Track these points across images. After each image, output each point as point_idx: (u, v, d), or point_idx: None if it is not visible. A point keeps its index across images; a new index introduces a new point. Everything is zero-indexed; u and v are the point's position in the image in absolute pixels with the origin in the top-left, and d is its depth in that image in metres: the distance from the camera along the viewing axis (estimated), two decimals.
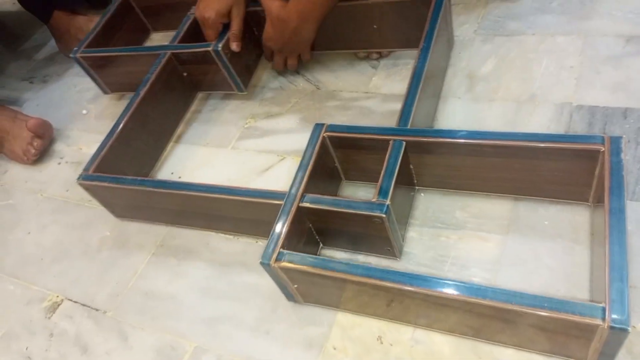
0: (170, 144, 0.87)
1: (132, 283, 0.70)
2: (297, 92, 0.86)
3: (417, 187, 0.65)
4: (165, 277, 0.69)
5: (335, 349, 0.56)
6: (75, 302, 0.71)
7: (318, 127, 0.63)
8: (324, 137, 0.62)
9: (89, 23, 1.11)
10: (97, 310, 0.69)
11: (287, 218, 0.56)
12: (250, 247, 0.68)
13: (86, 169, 0.73)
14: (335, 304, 0.58)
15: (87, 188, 0.74)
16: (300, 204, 0.57)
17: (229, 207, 0.64)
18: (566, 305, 0.42)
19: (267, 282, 0.60)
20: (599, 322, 0.41)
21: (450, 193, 0.63)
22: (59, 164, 0.94)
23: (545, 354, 0.49)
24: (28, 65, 1.26)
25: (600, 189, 0.50)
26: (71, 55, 0.94)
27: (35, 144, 0.93)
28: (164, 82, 0.84)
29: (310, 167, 0.59)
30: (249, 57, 0.89)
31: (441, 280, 0.47)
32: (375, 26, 0.80)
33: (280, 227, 0.55)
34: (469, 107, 0.72)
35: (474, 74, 0.76)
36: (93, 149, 0.89)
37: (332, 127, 0.62)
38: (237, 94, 0.89)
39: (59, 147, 0.98)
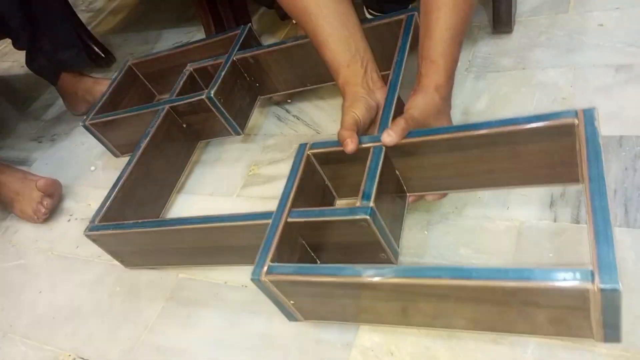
0: (174, 194, 0.88)
1: (143, 337, 0.70)
2: (298, 137, 0.89)
3: (408, 194, 0.65)
4: (177, 330, 0.69)
5: None
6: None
7: (302, 146, 0.64)
8: (308, 155, 0.63)
9: (96, 85, 1.15)
10: None
11: (275, 233, 0.56)
12: (259, 296, 0.68)
13: (92, 221, 0.75)
14: (340, 317, 0.57)
15: (94, 239, 0.75)
16: (288, 219, 0.57)
17: (230, 235, 0.65)
18: (553, 274, 0.41)
19: (278, 327, 0.59)
20: (588, 285, 0.40)
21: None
22: (69, 221, 0.96)
23: (554, 337, 0.48)
24: (37, 125, 1.30)
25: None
26: (81, 123, 0.98)
27: (45, 203, 0.95)
28: (165, 133, 0.87)
29: (296, 184, 0.60)
30: (242, 101, 0.92)
31: (427, 268, 0.47)
32: None
33: (269, 243, 0.56)
34: None
35: (469, 110, 0.78)
36: None
37: (315, 145, 0.63)
38: (238, 142, 0.92)
39: (68, 204, 0.99)
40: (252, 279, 0.54)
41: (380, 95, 0.64)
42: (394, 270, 0.48)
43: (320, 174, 0.66)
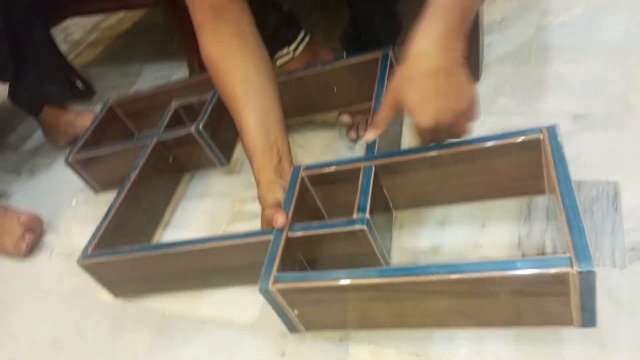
0: (160, 229, 0.90)
1: None
2: None
3: (393, 211, 0.71)
4: None
5: None
6: None
7: (296, 168, 0.69)
8: (302, 177, 0.68)
9: (78, 119, 1.17)
10: None
11: (278, 247, 0.60)
12: (247, 331, 0.70)
13: (85, 250, 0.76)
14: (341, 323, 0.61)
15: (87, 267, 0.76)
16: (289, 234, 0.62)
17: (225, 255, 0.68)
18: (537, 262, 0.47)
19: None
20: (568, 269, 0.46)
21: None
22: (50, 255, 0.96)
23: (537, 327, 0.53)
24: (14, 157, 1.30)
25: (550, 176, 0.57)
26: (64, 161, 1.00)
27: (27, 238, 0.95)
28: (152, 166, 0.90)
29: (294, 202, 0.65)
30: (227, 134, 0.96)
31: (427, 266, 0.52)
32: (335, 88, 0.90)
33: (273, 255, 0.60)
34: None
35: None
36: (84, 239, 0.91)
37: (308, 167, 0.69)
38: (223, 177, 0.95)
39: (49, 238, 1.00)
40: (260, 290, 0.58)
41: (282, 189, 0.68)
42: (396, 269, 0.53)
43: (312, 195, 0.71)
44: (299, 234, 0.62)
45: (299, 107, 0.93)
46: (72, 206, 1.05)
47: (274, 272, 0.58)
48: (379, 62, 0.83)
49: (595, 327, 0.52)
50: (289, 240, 0.62)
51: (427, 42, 0.54)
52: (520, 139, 0.60)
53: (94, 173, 1.03)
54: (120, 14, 1.89)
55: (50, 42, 1.20)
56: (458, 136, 0.61)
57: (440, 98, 0.55)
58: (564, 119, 0.81)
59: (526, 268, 0.48)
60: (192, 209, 0.93)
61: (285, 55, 1.00)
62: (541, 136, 0.59)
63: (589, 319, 0.50)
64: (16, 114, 1.48)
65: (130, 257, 0.73)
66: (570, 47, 0.94)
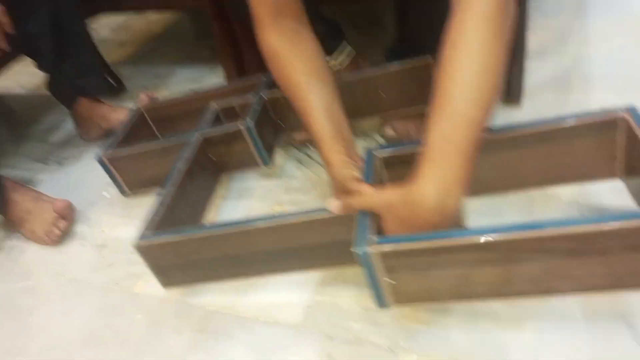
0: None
1: None
2: (321, 182, 0.93)
3: None
4: None
5: None
6: None
7: (369, 150, 0.71)
8: (375, 156, 0.70)
9: (112, 112, 1.17)
10: None
11: (368, 214, 0.60)
12: (292, 331, 0.70)
13: (143, 231, 0.75)
14: (437, 294, 0.59)
15: (144, 250, 0.74)
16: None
17: (297, 234, 0.68)
18: None
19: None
20: None
21: None
22: (82, 245, 0.95)
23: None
24: (42, 147, 1.29)
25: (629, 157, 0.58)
26: (95, 158, 0.99)
27: (60, 225, 0.95)
28: (195, 162, 0.89)
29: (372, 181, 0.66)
30: (269, 135, 0.97)
31: (541, 222, 0.51)
32: (381, 92, 0.92)
33: (366, 220, 0.59)
34: None
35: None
36: (120, 231, 0.91)
37: (382, 147, 0.72)
38: (260, 180, 0.96)
39: (80, 229, 0.99)
40: (357, 253, 0.56)
41: (362, 163, 0.69)
42: (512, 226, 0.52)
43: (385, 177, 0.71)
44: None
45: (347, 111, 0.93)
46: (104, 198, 1.05)
47: (370, 235, 0.57)
48: (431, 68, 0.85)
49: None
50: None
51: (429, 191, 0.53)
52: (596, 118, 0.62)
53: (124, 172, 1.01)
54: (151, 17, 1.91)
55: (89, 37, 1.21)
56: None
57: (417, 229, 0.56)
58: None
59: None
60: (230, 209, 0.93)
61: (331, 66, 1.02)
62: (625, 115, 0.60)
63: None
64: (40, 106, 1.49)
65: (194, 236, 0.72)
66: (611, 77, 0.97)
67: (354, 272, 0.73)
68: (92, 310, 0.82)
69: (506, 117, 0.94)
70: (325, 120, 0.69)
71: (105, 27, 1.93)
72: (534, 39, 1.13)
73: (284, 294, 0.74)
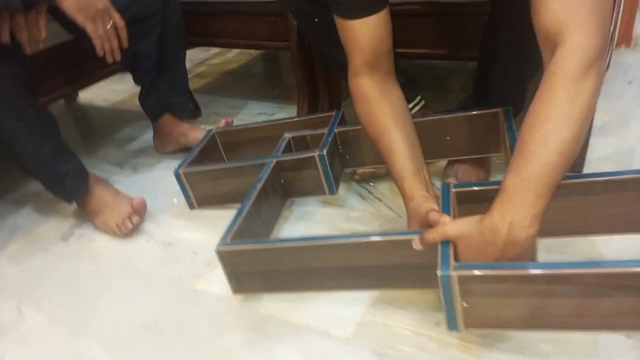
0: None
1: None
2: (381, 216, 0.98)
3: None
4: None
5: None
6: None
7: (446, 186, 0.76)
8: (453, 192, 0.75)
9: (192, 131, 1.28)
10: None
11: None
12: (342, 345, 0.73)
13: (224, 238, 0.80)
14: (507, 322, 0.62)
15: (224, 255, 0.79)
16: None
17: (381, 253, 0.72)
18: None
19: None
20: None
21: None
22: (149, 241, 1.02)
23: None
24: (118, 153, 1.40)
25: None
26: (174, 172, 1.06)
27: (134, 219, 1.02)
28: (269, 183, 0.96)
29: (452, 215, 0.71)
30: (337, 167, 1.04)
31: (621, 261, 0.55)
32: (448, 137, 0.98)
33: (447, 247, 0.63)
34: None
35: None
36: (185, 234, 0.97)
37: (457, 185, 0.77)
38: (321, 207, 1.01)
39: (148, 227, 1.06)
40: (440, 275, 0.60)
41: (437, 204, 0.73)
42: (590, 263, 0.57)
43: (456, 211, 0.76)
44: None
45: None
46: (174, 204, 1.12)
47: (452, 260, 0.61)
48: (501, 115, 0.92)
49: None
50: None
51: (502, 222, 0.58)
52: None
53: (196, 188, 1.09)
54: (228, 55, 2.07)
55: (184, 64, 1.34)
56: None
57: (489, 257, 0.61)
58: None
59: None
60: (290, 229, 0.99)
61: None
62: None
63: None
64: (122, 119, 1.62)
65: (270, 247, 0.78)
66: None
67: (407, 295, 0.78)
68: (154, 301, 0.87)
69: None
70: (408, 159, 0.77)
71: (187, 60, 2.10)
72: (596, 118, 1.18)
73: (338, 308, 0.78)
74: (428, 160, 1.01)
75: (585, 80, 0.57)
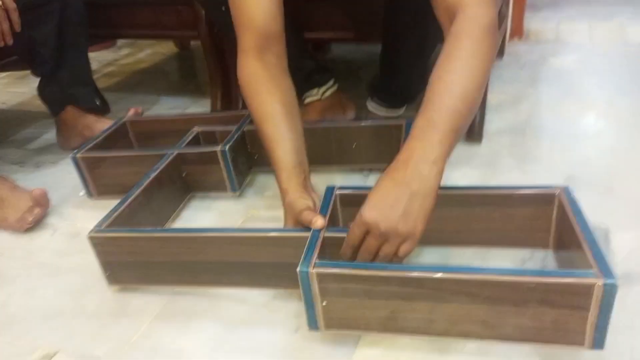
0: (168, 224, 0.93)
1: (134, 339, 0.70)
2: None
3: None
4: (172, 334, 0.70)
5: None
6: (72, 354, 0.69)
7: (330, 187, 0.75)
8: (336, 195, 0.74)
9: (97, 123, 1.22)
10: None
11: (317, 238, 0.64)
12: (261, 309, 0.72)
13: (99, 225, 0.76)
14: (364, 323, 0.61)
15: (97, 242, 0.75)
16: (326, 234, 0.66)
17: (250, 249, 0.70)
18: (567, 273, 0.53)
19: (281, 337, 0.64)
20: (595, 280, 0.51)
21: None
22: (52, 235, 0.96)
23: (551, 344, 0.57)
24: (18, 152, 1.31)
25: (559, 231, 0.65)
26: (71, 156, 1.01)
27: (35, 212, 0.95)
28: (167, 175, 0.93)
29: (329, 212, 0.70)
30: (242, 165, 1.02)
31: (469, 267, 0.55)
32: (355, 145, 0.99)
33: (313, 245, 0.63)
34: None
35: None
36: (90, 224, 0.92)
37: (342, 187, 0.75)
38: (229, 200, 1.00)
39: (52, 220, 1.00)
40: (300, 271, 0.59)
41: (315, 197, 0.73)
42: (441, 267, 0.56)
43: (338, 214, 0.76)
44: (335, 234, 0.66)
45: (319, 155, 0.95)
46: (80, 196, 1.06)
47: (315, 258, 0.60)
48: (403, 128, 0.94)
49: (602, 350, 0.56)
50: (324, 240, 0.65)
51: (412, 156, 0.60)
52: (537, 191, 0.69)
53: (96, 175, 1.04)
54: (139, 56, 2.01)
55: (86, 54, 1.28)
56: (380, 257, 0.61)
57: (393, 209, 0.58)
58: (555, 180, 0.92)
59: (558, 276, 0.53)
60: (203, 212, 0.97)
61: (314, 95, 1.12)
62: (560, 193, 0.68)
63: (599, 340, 0.55)
64: (22, 120, 1.51)
65: (144, 235, 0.74)
66: (556, 131, 1.10)
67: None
68: (57, 290, 0.81)
69: (469, 152, 1.05)
70: (291, 150, 0.74)
71: (94, 61, 2.01)
72: (493, 98, 1.27)
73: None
74: (334, 166, 1.02)
75: (483, 41, 0.63)
